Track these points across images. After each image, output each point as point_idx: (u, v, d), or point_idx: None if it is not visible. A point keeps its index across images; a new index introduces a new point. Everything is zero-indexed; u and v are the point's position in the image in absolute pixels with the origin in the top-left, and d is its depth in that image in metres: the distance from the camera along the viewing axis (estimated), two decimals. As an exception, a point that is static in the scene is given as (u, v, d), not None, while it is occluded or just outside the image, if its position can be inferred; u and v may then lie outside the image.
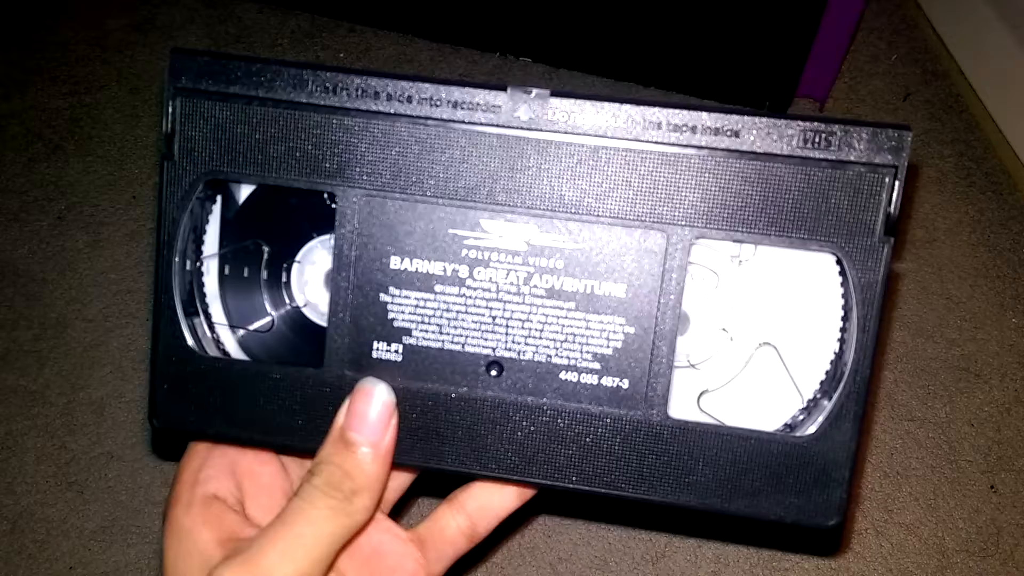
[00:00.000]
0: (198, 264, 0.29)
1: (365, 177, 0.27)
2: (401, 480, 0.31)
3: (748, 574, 0.52)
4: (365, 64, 0.80)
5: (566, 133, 0.26)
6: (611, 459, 0.26)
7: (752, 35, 0.73)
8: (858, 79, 0.80)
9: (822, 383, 0.27)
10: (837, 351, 0.27)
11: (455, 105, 0.26)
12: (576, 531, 0.54)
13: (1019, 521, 0.54)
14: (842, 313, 0.27)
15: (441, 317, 0.27)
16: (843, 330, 0.27)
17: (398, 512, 0.32)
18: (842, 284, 0.27)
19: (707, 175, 0.26)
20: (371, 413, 0.26)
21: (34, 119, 0.73)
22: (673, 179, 0.26)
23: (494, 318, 0.27)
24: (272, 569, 0.24)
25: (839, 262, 0.26)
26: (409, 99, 0.26)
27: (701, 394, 0.28)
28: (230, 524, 0.26)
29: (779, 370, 0.28)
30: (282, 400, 0.27)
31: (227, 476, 0.28)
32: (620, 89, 0.78)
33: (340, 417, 0.26)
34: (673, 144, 0.26)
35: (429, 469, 0.28)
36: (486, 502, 0.30)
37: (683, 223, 0.26)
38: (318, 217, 0.29)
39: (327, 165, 0.27)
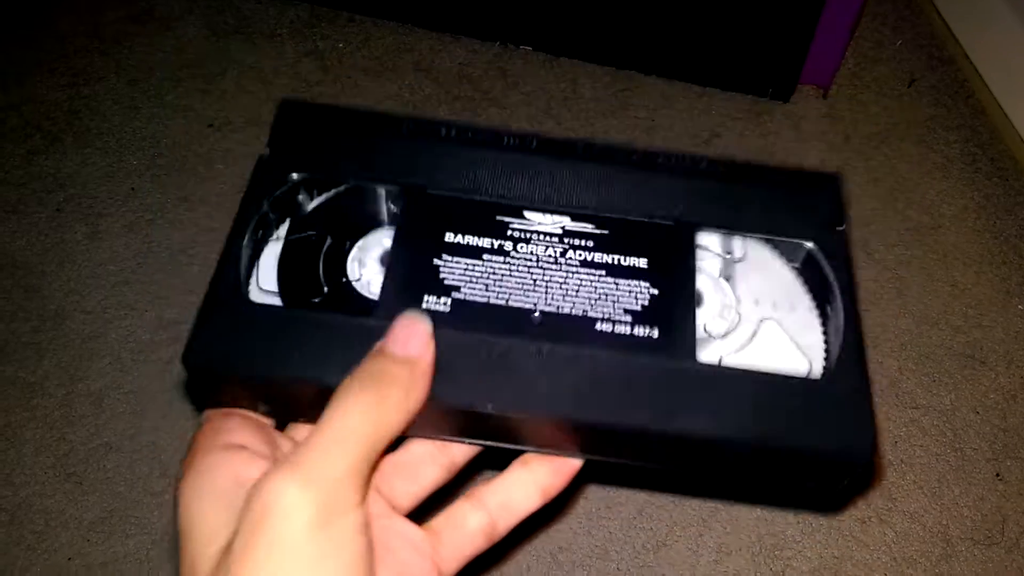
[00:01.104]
0: (264, 240, 0.31)
1: (428, 179, 0.31)
2: (429, 471, 0.30)
3: (750, 563, 0.52)
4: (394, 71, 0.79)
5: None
6: (644, 395, 0.27)
7: (755, 22, 0.73)
8: (863, 65, 0.79)
9: (822, 337, 0.30)
10: (828, 316, 0.30)
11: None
12: (576, 520, 0.53)
13: (1025, 509, 0.53)
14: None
15: (488, 278, 0.29)
16: (828, 302, 0.30)
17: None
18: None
19: (702, 184, 0.31)
20: (410, 335, 0.25)
21: (32, 111, 0.73)
22: (673, 188, 0.31)
23: (535, 281, 0.29)
24: (324, 468, 0.22)
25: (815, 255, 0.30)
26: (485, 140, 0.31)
27: (720, 360, 0.30)
28: (258, 468, 0.24)
29: (783, 339, 0.30)
30: (327, 342, 0.27)
31: (254, 430, 0.26)
32: (621, 78, 0.78)
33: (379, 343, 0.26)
34: (674, 165, 0.31)
35: (472, 410, 0.27)
36: (508, 499, 0.29)
37: (687, 218, 0.30)
38: (377, 210, 0.32)
39: (400, 172, 0.31)
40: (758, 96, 0.76)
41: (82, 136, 0.71)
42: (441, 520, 0.29)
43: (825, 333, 0.30)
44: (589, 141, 0.31)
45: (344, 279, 0.31)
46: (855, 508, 0.54)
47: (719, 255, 0.31)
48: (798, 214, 0.30)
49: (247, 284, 0.30)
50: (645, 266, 0.29)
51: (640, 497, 0.54)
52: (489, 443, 0.29)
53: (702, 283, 0.30)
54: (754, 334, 0.30)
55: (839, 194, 0.31)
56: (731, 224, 0.30)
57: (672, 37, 0.76)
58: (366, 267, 0.31)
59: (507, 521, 0.29)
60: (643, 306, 0.29)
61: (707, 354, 0.30)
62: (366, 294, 0.31)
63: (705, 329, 0.30)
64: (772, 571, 0.52)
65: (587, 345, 0.28)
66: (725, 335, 0.30)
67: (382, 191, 0.31)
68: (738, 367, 0.28)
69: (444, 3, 0.80)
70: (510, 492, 0.29)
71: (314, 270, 0.31)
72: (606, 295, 0.29)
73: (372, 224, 0.32)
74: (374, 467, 0.24)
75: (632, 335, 0.28)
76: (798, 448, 0.26)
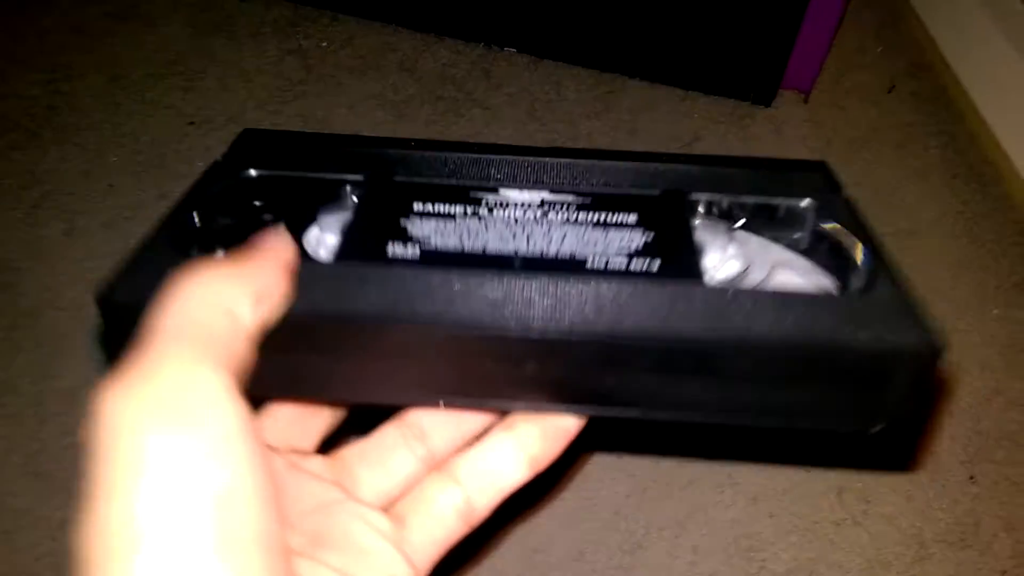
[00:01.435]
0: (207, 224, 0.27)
1: (389, 168, 0.29)
2: (398, 467, 0.25)
3: (725, 564, 0.52)
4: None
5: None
6: (662, 312, 0.22)
7: (737, 26, 0.73)
8: (843, 71, 0.80)
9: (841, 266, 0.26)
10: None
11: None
12: (553, 521, 0.53)
13: (997, 512, 0.53)
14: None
15: (461, 232, 0.26)
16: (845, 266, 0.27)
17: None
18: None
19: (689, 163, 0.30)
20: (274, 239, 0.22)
21: (12, 106, 0.73)
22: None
23: (514, 234, 0.26)
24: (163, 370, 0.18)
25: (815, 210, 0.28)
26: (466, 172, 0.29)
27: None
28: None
29: (799, 281, 0.27)
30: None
31: None
32: (605, 81, 0.78)
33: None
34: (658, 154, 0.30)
35: (450, 328, 0.22)
36: (489, 470, 0.24)
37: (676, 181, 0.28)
38: (330, 198, 0.30)
39: (365, 164, 0.29)
40: (740, 100, 0.77)
41: (61, 132, 0.71)
42: (408, 503, 0.24)
43: (845, 287, 0.26)
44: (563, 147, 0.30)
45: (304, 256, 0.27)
46: (830, 510, 0.54)
47: (717, 217, 0.28)
48: (793, 182, 0.28)
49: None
50: (635, 221, 0.26)
51: (617, 498, 0.54)
52: (466, 402, 0.24)
53: (701, 236, 0.27)
54: (764, 280, 0.26)
55: (831, 172, 0.29)
56: (724, 189, 0.28)
57: (655, 40, 0.76)
58: (324, 244, 0.27)
59: (487, 498, 0.24)
60: (637, 249, 0.25)
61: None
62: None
63: (712, 278, 0.26)
64: (747, 572, 0.52)
65: (579, 280, 0.23)
66: (733, 279, 0.26)
67: (345, 182, 0.29)
68: (759, 290, 0.24)
69: (428, 4, 0.80)
70: (490, 462, 0.24)
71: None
72: (595, 242, 0.26)
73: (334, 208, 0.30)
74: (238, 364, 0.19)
75: (629, 270, 0.24)
76: (853, 349, 0.21)
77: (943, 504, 0.54)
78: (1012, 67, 0.70)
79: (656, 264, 0.24)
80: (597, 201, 0.27)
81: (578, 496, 0.54)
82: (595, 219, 0.27)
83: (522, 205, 0.27)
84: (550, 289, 0.22)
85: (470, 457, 0.24)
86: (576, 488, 0.55)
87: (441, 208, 0.27)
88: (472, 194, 0.28)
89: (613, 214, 0.27)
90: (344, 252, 0.25)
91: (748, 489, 0.54)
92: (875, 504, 0.54)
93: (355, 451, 0.26)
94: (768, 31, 0.72)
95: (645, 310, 0.22)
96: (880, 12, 0.85)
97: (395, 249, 0.25)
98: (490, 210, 0.27)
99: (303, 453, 0.26)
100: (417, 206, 0.27)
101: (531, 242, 0.25)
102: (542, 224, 0.26)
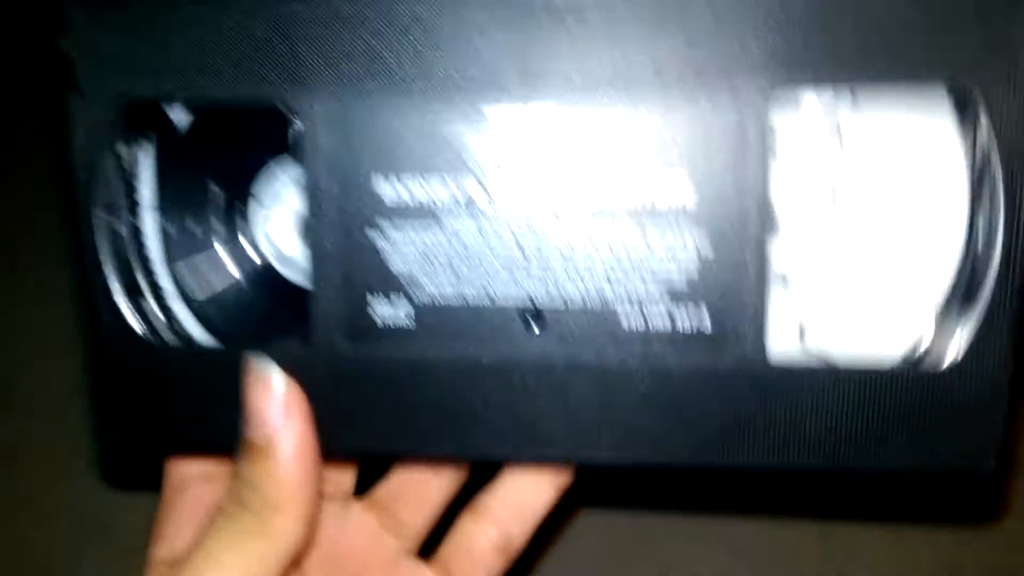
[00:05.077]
0: (132, 224, 0.23)
1: (329, 76, 0.20)
2: (435, 490, 0.26)
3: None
4: None
5: None
6: (698, 421, 0.20)
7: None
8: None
9: (959, 294, 0.21)
10: (977, 249, 0.20)
11: None
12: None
13: (985, 561, 0.52)
14: (975, 192, 0.20)
15: (455, 258, 0.20)
16: (980, 216, 0.20)
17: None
18: (974, 143, 0.19)
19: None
20: (266, 404, 0.21)
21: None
22: (737, 11, 0.19)
23: (524, 252, 0.20)
24: None
25: (968, 109, 0.19)
26: None
27: (803, 327, 0.21)
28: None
29: (903, 279, 0.21)
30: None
31: (194, 523, 0.23)
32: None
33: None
34: None
35: (464, 458, 0.22)
36: (518, 501, 0.25)
37: (757, 72, 0.19)
38: (276, 136, 0.22)
39: (277, 65, 0.20)
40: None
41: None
42: (449, 550, 0.26)
43: (970, 263, 0.20)
44: None
45: (259, 257, 0.24)
46: (812, 559, 0.52)
47: (807, 131, 0.20)
48: (952, 27, 0.18)
49: (137, 297, 0.22)
50: (690, 199, 0.19)
51: (596, 552, 0.52)
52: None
53: (778, 192, 0.20)
54: (860, 268, 0.20)
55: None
56: (827, 66, 0.19)
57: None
58: (281, 233, 0.23)
59: (522, 529, 0.25)
60: (689, 277, 0.20)
61: (780, 316, 0.20)
62: (292, 276, 0.23)
63: (781, 276, 0.21)
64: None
65: (607, 350, 0.20)
66: (810, 277, 0.21)
67: (284, 118, 0.21)
68: (825, 367, 0.20)
69: None
70: (518, 492, 0.25)
71: (214, 254, 0.24)
72: (632, 264, 0.20)
73: (262, 153, 0.23)
74: None
75: (673, 329, 0.20)
76: (901, 467, 0.20)
77: (927, 551, 0.53)
78: None
79: (706, 320, 0.20)
80: (637, 128, 0.19)
81: (557, 551, 0.52)
82: (635, 198, 0.20)
83: (524, 162, 0.20)
84: (569, 401, 0.20)
85: (498, 491, 0.25)
86: (555, 542, 0.52)
87: (418, 191, 0.20)
88: (450, 129, 0.20)
89: (659, 183, 0.19)
90: (322, 320, 0.21)
91: (730, 540, 0.52)
92: (858, 553, 0.53)
93: (390, 491, 0.27)
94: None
95: (679, 428, 0.20)
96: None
97: (382, 309, 0.21)
98: (485, 185, 0.20)
99: (345, 499, 0.26)
100: (382, 186, 0.20)
101: (547, 273, 0.20)
102: (560, 219, 0.20)
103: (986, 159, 0.19)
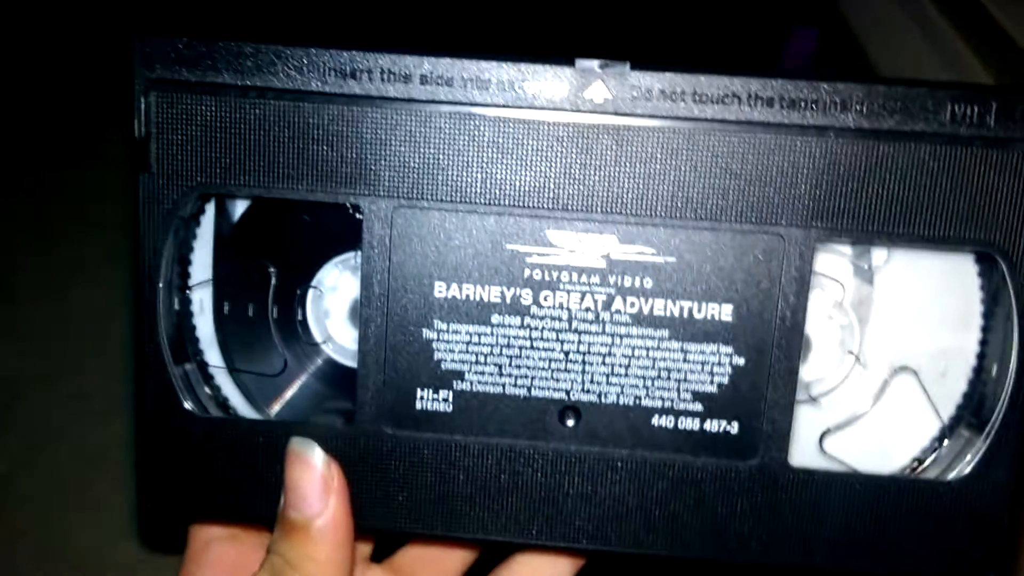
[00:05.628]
0: (186, 298, 0.24)
1: (397, 182, 0.21)
2: (453, 560, 0.26)
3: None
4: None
5: (651, 117, 0.21)
6: (719, 519, 0.22)
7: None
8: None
9: (968, 413, 0.23)
10: (986, 375, 0.23)
11: (508, 87, 0.21)
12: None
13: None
14: (987, 327, 0.23)
15: (500, 355, 0.22)
16: (991, 348, 0.23)
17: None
18: (990, 292, 0.22)
19: (831, 162, 0.21)
20: (308, 483, 0.22)
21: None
22: (789, 168, 0.21)
23: (567, 353, 0.22)
24: None
25: (989, 265, 0.22)
26: (449, 81, 0.21)
27: (824, 434, 0.23)
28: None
29: (919, 400, 0.23)
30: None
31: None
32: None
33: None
34: (789, 124, 0.21)
35: (490, 542, 0.23)
36: (540, 570, 0.25)
37: (803, 223, 0.21)
38: (338, 232, 0.23)
39: (348, 170, 0.22)
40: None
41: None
42: None
43: (981, 392, 0.23)
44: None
45: (310, 342, 0.25)
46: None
47: (845, 271, 0.23)
48: (980, 200, 0.21)
49: (185, 366, 0.24)
50: (729, 318, 0.22)
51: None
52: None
53: (814, 321, 0.23)
54: (883, 390, 0.23)
55: None
56: (869, 226, 0.21)
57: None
58: (332, 318, 0.24)
59: None
60: (721, 386, 0.22)
61: (806, 429, 0.23)
62: (341, 359, 0.25)
63: (809, 394, 0.23)
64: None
65: (638, 448, 0.22)
66: (836, 395, 0.23)
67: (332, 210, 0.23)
68: (842, 472, 0.22)
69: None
70: (535, 569, 0.25)
71: (267, 335, 0.24)
72: (668, 372, 0.22)
73: (324, 247, 0.24)
74: None
75: (702, 431, 0.22)
76: (900, 573, 0.22)
77: None
78: None
79: (734, 426, 0.22)
80: (684, 264, 0.22)
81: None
82: (676, 314, 0.22)
83: (579, 277, 0.22)
84: (596, 494, 0.22)
85: (516, 568, 0.25)
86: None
87: (473, 295, 0.22)
88: (510, 246, 0.22)
89: (702, 305, 0.22)
90: (367, 404, 0.23)
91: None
92: None
93: (409, 559, 0.27)
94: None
95: (699, 527, 0.22)
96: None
97: (425, 397, 0.23)
98: (536, 292, 0.22)
99: (364, 563, 0.26)
100: (440, 289, 0.22)
101: (587, 375, 0.22)
102: (604, 327, 0.22)
103: (999, 302, 0.22)
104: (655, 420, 0.22)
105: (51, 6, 0.75)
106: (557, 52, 0.21)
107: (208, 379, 0.24)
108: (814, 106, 0.21)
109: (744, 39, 0.62)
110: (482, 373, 0.22)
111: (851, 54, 0.72)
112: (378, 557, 0.27)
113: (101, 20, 0.74)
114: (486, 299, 0.22)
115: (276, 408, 0.25)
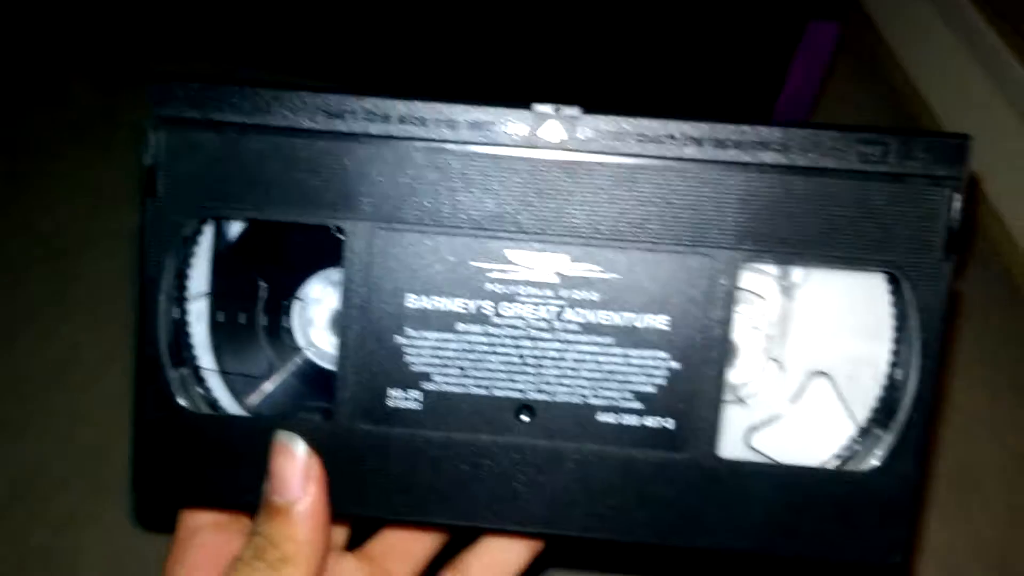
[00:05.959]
0: (183, 308, 0.27)
1: (376, 208, 0.25)
2: (421, 546, 0.28)
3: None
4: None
5: (599, 153, 0.24)
6: (657, 506, 0.25)
7: (717, 89, 0.74)
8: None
9: (880, 413, 0.26)
10: (896, 379, 0.26)
11: (474, 127, 0.24)
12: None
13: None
14: (896, 338, 0.26)
15: (464, 359, 0.25)
16: (899, 356, 0.26)
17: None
18: (898, 307, 0.26)
19: (754, 193, 0.24)
20: (290, 471, 0.24)
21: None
22: (717, 198, 0.24)
23: (523, 357, 0.25)
24: None
25: (896, 284, 0.25)
26: (423, 121, 0.24)
27: (750, 431, 0.26)
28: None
29: (833, 401, 0.26)
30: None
31: (208, 568, 0.26)
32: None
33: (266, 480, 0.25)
34: (716, 161, 0.24)
35: (452, 526, 0.26)
36: (495, 560, 0.27)
37: (730, 246, 0.25)
38: (323, 251, 0.27)
39: (333, 197, 0.25)
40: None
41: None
42: None
43: (887, 393, 0.26)
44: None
45: (294, 347, 0.28)
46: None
47: (767, 287, 0.27)
48: (884, 228, 0.24)
49: (180, 369, 0.26)
50: (665, 327, 0.25)
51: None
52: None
53: (740, 330, 0.26)
54: (801, 392, 0.27)
55: (956, 188, 0.24)
56: (788, 248, 0.24)
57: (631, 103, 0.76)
58: (315, 326, 0.27)
59: None
60: (659, 387, 0.25)
61: (733, 427, 0.26)
62: (322, 363, 0.27)
63: (736, 395, 0.27)
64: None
65: (586, 441, 0.25)
66: (760, 397, 0.27)
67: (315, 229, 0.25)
68: (766, 463, 0.25)
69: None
70: (495, 555, 0.27)
71: (256, 342, 0.27)
72: (612, 374, 0.25)
73: (310, 263, 0.27)
74: None
75: (642, 426, 0.25)
76: (823, 556, 0.25)
77: None
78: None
79: (670, 422, 0.25)
80: (627, 280, 0.25)
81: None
82: (620, 323, 0.25)
83: (535, 290, 0.25)
84: (548, 479, 0.25)
85: (478, 551, 0.27)
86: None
87: (440, 305, 0.25)
88: (473, 263, 0.25)
89: (642, 315, 0.25)
90: (344, 402, 0.25)
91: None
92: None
93: (380, 547, 0.28)
94: (749, 94, 0.73)
95: (639, 510, 0.25)
96: (864, 74, 0.86)
97: (396, 396, 0.25)
98: (497, 303, 0.25)
99: (340, 551, 0.28)
100: (411, 300, 0.25)
101: (541, 377, 0.25)
102: (556, 334, 0.25)
103: (906, 314, 0.25)
104: (600, 417, 0.25)
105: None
106: (547, 92, 0.25)
107: (200, 380, 0.27)
108: (738, 146, 0.24)
109: (755, 38, 0.62)
110: (448, 375, 0.25)
111: (873, 49, 0.74)
112: (352, 546, 0.29)
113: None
114: (452, 309, 0.25)
115: (255, 399, 0.27)
